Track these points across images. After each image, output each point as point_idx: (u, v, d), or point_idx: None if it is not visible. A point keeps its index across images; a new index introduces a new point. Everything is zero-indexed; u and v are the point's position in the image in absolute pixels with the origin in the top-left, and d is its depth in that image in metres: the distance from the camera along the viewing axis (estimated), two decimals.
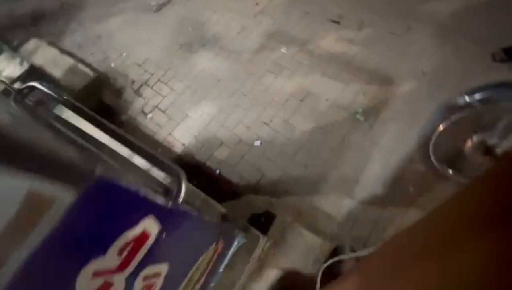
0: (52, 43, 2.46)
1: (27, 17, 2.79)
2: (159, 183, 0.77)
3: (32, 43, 2.42)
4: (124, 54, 2.39)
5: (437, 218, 0.17)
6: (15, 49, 2.45)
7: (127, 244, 0.48)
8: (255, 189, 1.67)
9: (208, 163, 1.81)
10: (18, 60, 1.70)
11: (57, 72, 2.21)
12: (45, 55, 2.33)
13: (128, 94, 2.18)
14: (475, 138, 1.15)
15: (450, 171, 1.34)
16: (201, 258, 0.86)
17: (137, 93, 2.17)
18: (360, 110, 1.77)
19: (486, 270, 0.13)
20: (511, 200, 0.14)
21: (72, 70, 2.19)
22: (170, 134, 1.93)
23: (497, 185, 0.15)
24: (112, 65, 2.34)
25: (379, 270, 0.19)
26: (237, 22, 2.38)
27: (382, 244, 0.20)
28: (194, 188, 1.45)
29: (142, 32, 2.49)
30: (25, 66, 1.62)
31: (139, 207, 0.50)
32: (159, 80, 2.20)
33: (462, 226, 0.15)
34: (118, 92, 2.20)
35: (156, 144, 1.92)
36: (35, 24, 2.72)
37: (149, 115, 2.04)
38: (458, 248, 0.14)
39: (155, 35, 2.45)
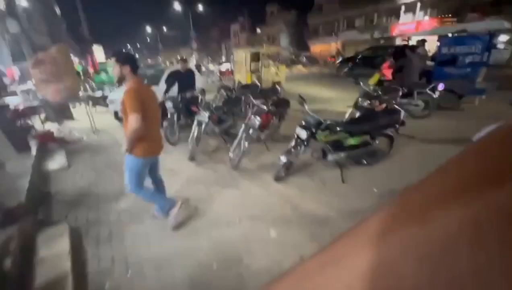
0: (74, 234, 2.30)
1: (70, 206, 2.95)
2: None
3: (58, 228, 2.31)
4: (129, 274, 1.95)
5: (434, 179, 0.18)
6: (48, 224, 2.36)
7: None
8: None
9: None
10: None
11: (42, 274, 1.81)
12: (55, 247, 2.08)
13: None
14: None
15: None
16: None
17: None
18: None
19: (478, 224, 0.13)
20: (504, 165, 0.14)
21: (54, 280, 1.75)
22: None
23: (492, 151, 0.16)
24: (106, 286, 1.85)
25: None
26: None
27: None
28: None
29: (154, 250, 2.16)
30: None
31: None
32: None
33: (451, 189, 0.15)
34: None
35: None
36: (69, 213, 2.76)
37: None
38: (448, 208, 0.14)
39: (162, 255, 2.06)
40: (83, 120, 6.02)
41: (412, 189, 0.18)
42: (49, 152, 4.40)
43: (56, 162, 3.99)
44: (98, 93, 7.93)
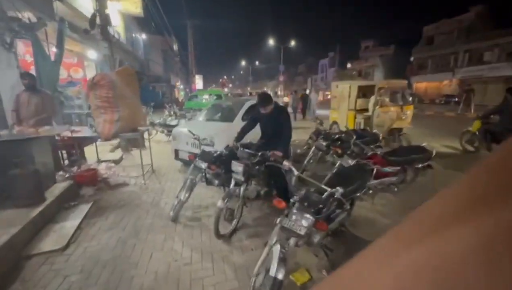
0: None
1: None
2: None
3: None
4: None
5: (439, 200, 0.17)
6: None
7: None
8: None
9: None
10: None
11: None
12: None
13: None
14: None
15: None
16: None
17: None
18: None
19: (490, 244, 0.12)
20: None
21: None
22: None
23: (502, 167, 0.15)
24: None
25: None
26: None
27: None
28: None
29: None
30: None
31: None
32: None
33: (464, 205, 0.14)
34: None
35: None
36: None
37: None
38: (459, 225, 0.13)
39: None
40: (154, 149, 4.80)
41: (423, 209, 0.17)
42: (70, 206, 3.02)
43: (53, 238, 2.45)
44: (174, 122, 7.00)
